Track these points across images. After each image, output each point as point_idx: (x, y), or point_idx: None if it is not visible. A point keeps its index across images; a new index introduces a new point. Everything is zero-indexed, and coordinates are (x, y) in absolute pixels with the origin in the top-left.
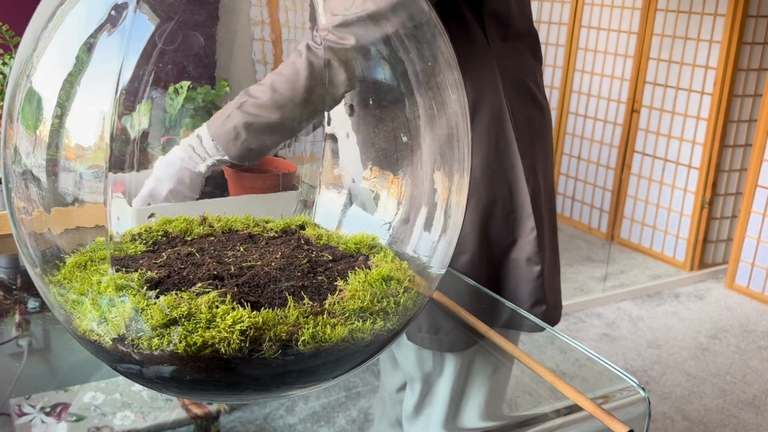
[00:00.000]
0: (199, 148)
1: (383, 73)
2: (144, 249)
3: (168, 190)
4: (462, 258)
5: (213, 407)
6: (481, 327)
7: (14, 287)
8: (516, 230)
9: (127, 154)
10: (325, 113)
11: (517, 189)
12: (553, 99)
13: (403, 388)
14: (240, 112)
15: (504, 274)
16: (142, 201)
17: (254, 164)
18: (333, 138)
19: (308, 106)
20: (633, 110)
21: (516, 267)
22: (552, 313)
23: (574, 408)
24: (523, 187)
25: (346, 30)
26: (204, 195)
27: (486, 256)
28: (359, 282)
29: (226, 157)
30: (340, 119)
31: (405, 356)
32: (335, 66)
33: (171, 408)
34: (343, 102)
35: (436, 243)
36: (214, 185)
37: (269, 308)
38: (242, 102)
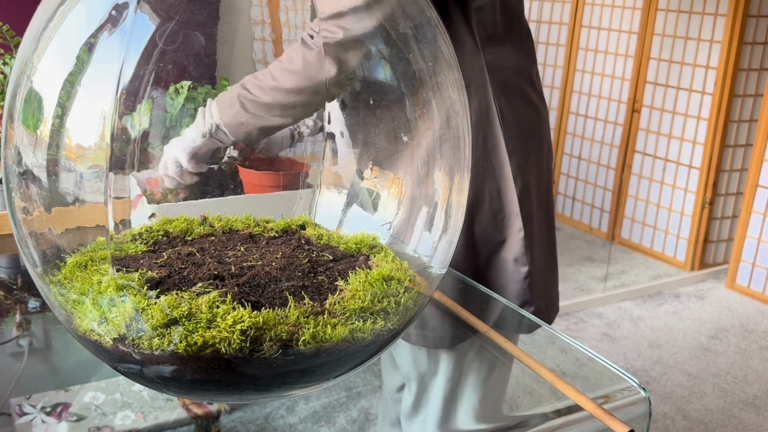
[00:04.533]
0: (207, 111)
1: (383, 73)
2: (144, 249)
3: (180, 147)
4: None
5: (213, 407)
6: (482, 327)
7: (15, 287)
8: (505, 230)
9: (128, 154)
10: (326, 112)
11: (505, 188)
12: (553, 99)
13: (403, 387)
14: (239, 86)
15: (492, 274)
16: (162, 167)
17: (251, 145)
18: (333, 137)
19: (299, 98)
20: (633, 110)
21: (504, 267)
22: (541, 316)
23: (575, 408)
24: (511, 187)
25: (337, 22)
26: (206, 194)
27: (472, 254)
28: (360, 282)
29: (222, 125)
30: (336, 116)
31: (401, 356)
32: (327, 60)
33: (171, 408)
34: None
35: (436, 243)
36: (216, 184)
37: (270, 308)
38: (244, 80)
